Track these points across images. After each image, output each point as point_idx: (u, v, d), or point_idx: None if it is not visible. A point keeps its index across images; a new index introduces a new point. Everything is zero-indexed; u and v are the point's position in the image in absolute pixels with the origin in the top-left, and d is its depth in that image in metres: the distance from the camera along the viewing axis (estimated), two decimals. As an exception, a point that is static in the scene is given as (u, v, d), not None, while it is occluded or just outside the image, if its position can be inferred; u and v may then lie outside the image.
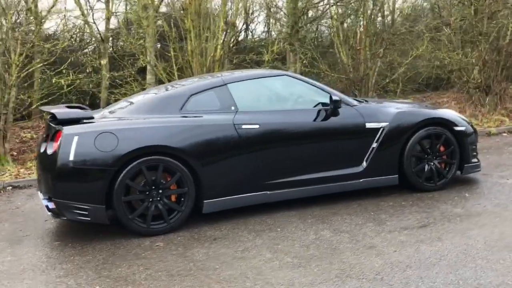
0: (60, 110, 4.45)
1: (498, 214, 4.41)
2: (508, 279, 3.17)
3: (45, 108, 4.91)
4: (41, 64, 8.21)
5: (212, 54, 8.65)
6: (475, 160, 5.48)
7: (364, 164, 5.02)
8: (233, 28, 9.17)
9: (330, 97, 4.85)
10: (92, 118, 4.42)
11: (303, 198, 4.97)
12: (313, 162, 4.86)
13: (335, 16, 10.29)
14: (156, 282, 3.42)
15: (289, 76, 5.08)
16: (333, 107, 4.83)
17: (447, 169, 5.33)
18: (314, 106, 5.01)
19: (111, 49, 12.28)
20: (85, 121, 4.38)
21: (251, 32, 19.51)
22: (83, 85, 8.64)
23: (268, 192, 4.73)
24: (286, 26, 12.03)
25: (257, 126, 4.64)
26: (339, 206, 4.90)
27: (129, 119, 4.46)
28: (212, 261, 3.73)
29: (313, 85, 5.07)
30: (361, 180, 5.02)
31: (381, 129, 5.03)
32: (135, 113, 4.57)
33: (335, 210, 4.81)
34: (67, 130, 4.23)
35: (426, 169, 5.21)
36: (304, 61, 9.88)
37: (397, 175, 5.14)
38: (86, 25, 12.36)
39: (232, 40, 17.43)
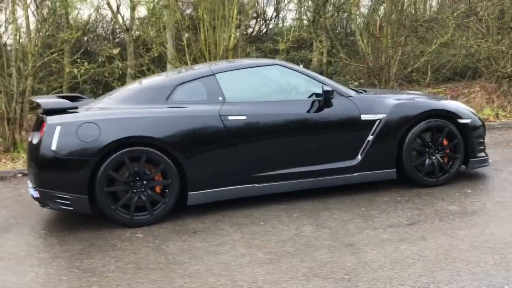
0: (46, 100, 4.46)
1: (495, 213, 4.15)
2: (484, 283, 2.96)
3: (34, 98, 4.94)
4: (56, 54, 8.34)
5: (225, 44, 8.55)
6: (482, 154, 5.19)
7: (359, 157, 4.82)
8: (247, 16, 9.01)
9: (322, 88, 4.68)
10: (76, 108, 4.41)
11: (296, 192, 4.85)
12: (303, 155, 4.71)
13: (354, 2, 9.97)
14: (122, 274, 3.39)
15: (281, 65, 4.92)
16: (325, 98, 4.66)
17: (450, 163, 5.07)
18: (309, 97, 4.84)
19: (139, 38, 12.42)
20: (70, 111, 4.38)
21: (282, 20, 19.27)
22: (98, 74, 8.73)
23: (256, 185, 4.62)
24: (309, 13, 11.81)
25: (244, 117, 4.53)
26: (331, 201, 4.75)
27: (113, 109, 4.43)
28: (184, 255, 3.67)
29: (306, 75, 4.91)
30: (356, 174, 4.84)
31: (378, 121, 4.82)
32: (121, 103, 4.54)
33: (326, 204, 4.65)
34: (50, 120, 4.24)
35: (427, 164, 4.97)
36: (321, 50, 9.63)
37: (394, 169, 4.93)
38: (112, 14, 12.57)
39: (259, 28, 17.33)
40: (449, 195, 4.71)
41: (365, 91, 5.35)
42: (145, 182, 4.35)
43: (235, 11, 8.64)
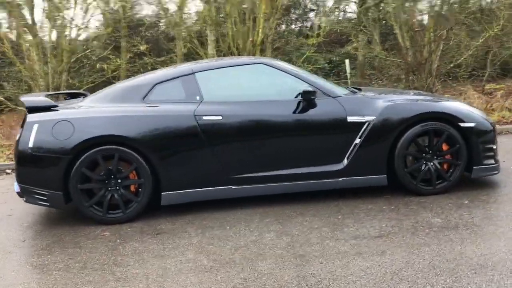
0: (29, 98, 4.60)
1: (479, 229, 3.76)
2: (418, 310, 2.69)
3: (22, 96, 5.09)
4: (89, 50, 8.65)
5: (251, 39, 8.43)
6: (490, 162, 4.72)
7: (345, 161, 4.56)
8: (279, 11, 8.83)
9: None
10: (56, 106, 4.51)
11: (283, 194, 4.67)
12: (284, 158, 4.53)
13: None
14: (65, 273, 3.42)
15: (265, 64, 4.73)
16: (304, 98, 4.45)
17: (451, 170, 4.67)
18: (295, 97, 4.63)
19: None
20: (53, 109, 4.49)
21: (343, 12, 18.80)
22: (128, 70, 8.95)
23: (233, 187, 4.51)
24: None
25: (219, 118, 4.42)
26: (313, 206, 4.54)
27: (90, 108, 4.50)
28: (134, 257, 3.65)
29: (291, 74, 4.70)
30: (341, 179, 4.58)
31: (366, 123, 4.53)
32: (102, 101, 4.59)
33: (306, 209, 4.46)
34: (29, 118, 4.38)
35: (422, 170, 4.61)
36: (355, 44, 9.23)
37: (385, 175, 4.62)
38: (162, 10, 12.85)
39: (318, 20, 16.97)
40: (441, 206, 4.34)
41: (360, 90, 5.06)
42: (119, 181, 4.38)
43: (263, 6, 8.49)
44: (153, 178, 4.39)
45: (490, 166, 4.72)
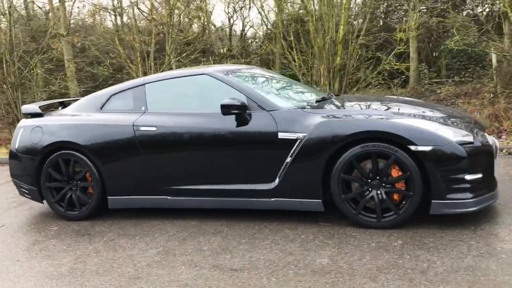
0: (25, 106, 5.35)
1: (344, 280, 3.10)
2: None
3: (24, 105, 5.79)
4: (177, 59, 9.34)
5: (329, 36, 7.96)
6: (460, 196, 3.72)
7: (277, 181, 4.17)
8: (365, 3, 8.08)
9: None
10: (42, 114, 5.16)
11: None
12: (216, 172, 4.36)
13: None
14: (-27, 260, 4.04)
15: (209, 75, 4.56)
16: (222, 113, 4.19)
17: (404, 201, 3.87)
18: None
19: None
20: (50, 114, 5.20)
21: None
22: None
23: (168, 197, 4.55)
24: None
25: (154, 129, 4.50)
26: (241, 224, 4.32)
27: (59, 115, 5.04)
28: (32, 254, 4.05)
29: (231, 86, 4.45)
30: (273, 199, 4.21)
31: (297, 141, 4.05)
32: (73, 110, 5.08)
33: (229, 227, 4.28)
34: (20, 123, 5.16)
35: (364, 198, 3.93)
36: (457, 37, 7.81)
37: (320, 200, 4.07)
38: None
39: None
40: (360, 244, 3.65)
41: (332, 96, 4.56)
42: (79, 182, 4.85)
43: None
44: (101, 182, 4.73)
45: (459, 201, 3.73)
